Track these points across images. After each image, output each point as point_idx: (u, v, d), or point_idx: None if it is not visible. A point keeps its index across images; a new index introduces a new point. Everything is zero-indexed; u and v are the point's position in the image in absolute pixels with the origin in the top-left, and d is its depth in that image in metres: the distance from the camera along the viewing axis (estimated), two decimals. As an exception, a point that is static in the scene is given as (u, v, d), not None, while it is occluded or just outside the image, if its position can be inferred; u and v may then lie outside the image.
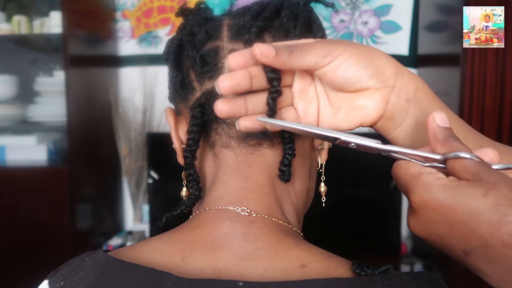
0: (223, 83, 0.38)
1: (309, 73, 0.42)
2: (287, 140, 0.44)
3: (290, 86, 0.43)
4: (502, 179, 0.32)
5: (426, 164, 0.35)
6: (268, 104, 0.40)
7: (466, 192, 0.31)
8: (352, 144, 0.37)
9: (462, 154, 0.34)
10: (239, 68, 0.38)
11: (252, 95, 0.40)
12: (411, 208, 0.35)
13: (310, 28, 0.46)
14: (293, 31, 0.44)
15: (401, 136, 0.43)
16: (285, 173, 0.44)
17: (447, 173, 0.34)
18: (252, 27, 0.43)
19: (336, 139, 0.38)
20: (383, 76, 0.40)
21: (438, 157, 0.35)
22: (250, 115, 0.40)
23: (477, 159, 0.33)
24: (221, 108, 0.39)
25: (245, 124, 0.40)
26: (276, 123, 0.39)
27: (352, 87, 0.41)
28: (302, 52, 0.39)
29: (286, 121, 0.41)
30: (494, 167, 0.35)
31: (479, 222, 0.31)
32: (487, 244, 0.31)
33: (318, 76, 0.41)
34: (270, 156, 0.45)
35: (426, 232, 0.34)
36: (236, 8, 0.47)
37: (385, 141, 0.40)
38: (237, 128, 0.41)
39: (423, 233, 0.35)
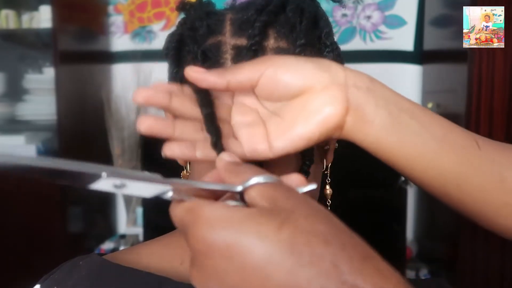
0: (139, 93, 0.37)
1: (247, 104, 0.40)
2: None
3: (229, 122, 0.41)
4: (300, 204, 0.28)
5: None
6: (205, 118, 0.38)
7: (257, 226, 0.26)
8: (117, 182, 0.28)
9: (260, 179, 0.30)
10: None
11: (183, 120, 0.39)
12: (192, 255, 0.29)
13: (317, 23, 0.46)
14: (298, 26, 0.44)
15: (382, 133, 0.38)
16: None
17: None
18: (256, 21, 0.43)
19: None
20: (330, 69, 0.37)
21: (239, 188, 0.30)
22: (179, 142, 0.38)
23: (276, 182, 0.30)
24: (142, 121, 0.37)
25: (170, 150, 0.38)
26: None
27: (297, 86, 0.37)
28: (235, 69, 0.38)
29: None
30: (301, 191, 0.31)
31: (276, 267, 0.25)
32: None
33: (260, 95, 0.39)
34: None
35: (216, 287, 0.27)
36: (240, 2, 0.47)
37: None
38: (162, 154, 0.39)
39: None
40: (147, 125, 0.37)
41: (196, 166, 0.47)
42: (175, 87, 0.39)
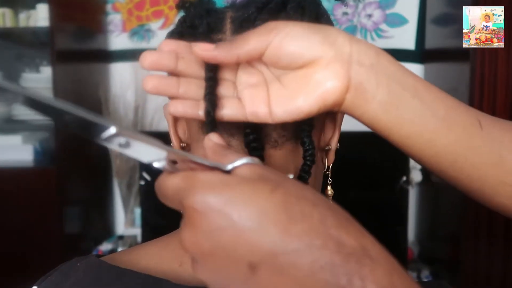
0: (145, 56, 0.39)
1: (254, 65, 0.42)
2: (308, 147, 0.44)
3: (234, 82, 0.42)
4: (287, 178, 0.31)
5: None
6: (205, 80, 0.40)
7: (252, 189, 0.28)
8: (122, 141, 0.30)
9: (247, 160, 0.32)
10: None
11: (188, 78, 0.41)
12: (187, 217, 0.29)
13: (318, 21, 0.46)
14: None
15: (381, 111, 0.39)
16: (304, 179, 0.44)
17: None
18: (256, 20, 0.43)
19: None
20: (336, 43, 0.38)
21: (228, 167, 0.32)
22: (183, 99, 0.40)
23: (261, 164, 0.32)
24: (147, 81, 0.39)
25: (174, 107, 0.40)
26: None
27: (303, 58, 0.38)
28: (242, 40, 0.39)
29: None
30: None
31: (269, 224, 0.27)
32: (276, 250, 0.27)
33: (266, 62, 0.40)
34: (273, 156, 0.45)
35: (209, 246, 0.28)
36: (240, 0, 0.47)
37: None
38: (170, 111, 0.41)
39: (205, 247, 0.29)
40: (152, 84, 0.39)
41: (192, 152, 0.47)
42: (182, 45, 0.40)
